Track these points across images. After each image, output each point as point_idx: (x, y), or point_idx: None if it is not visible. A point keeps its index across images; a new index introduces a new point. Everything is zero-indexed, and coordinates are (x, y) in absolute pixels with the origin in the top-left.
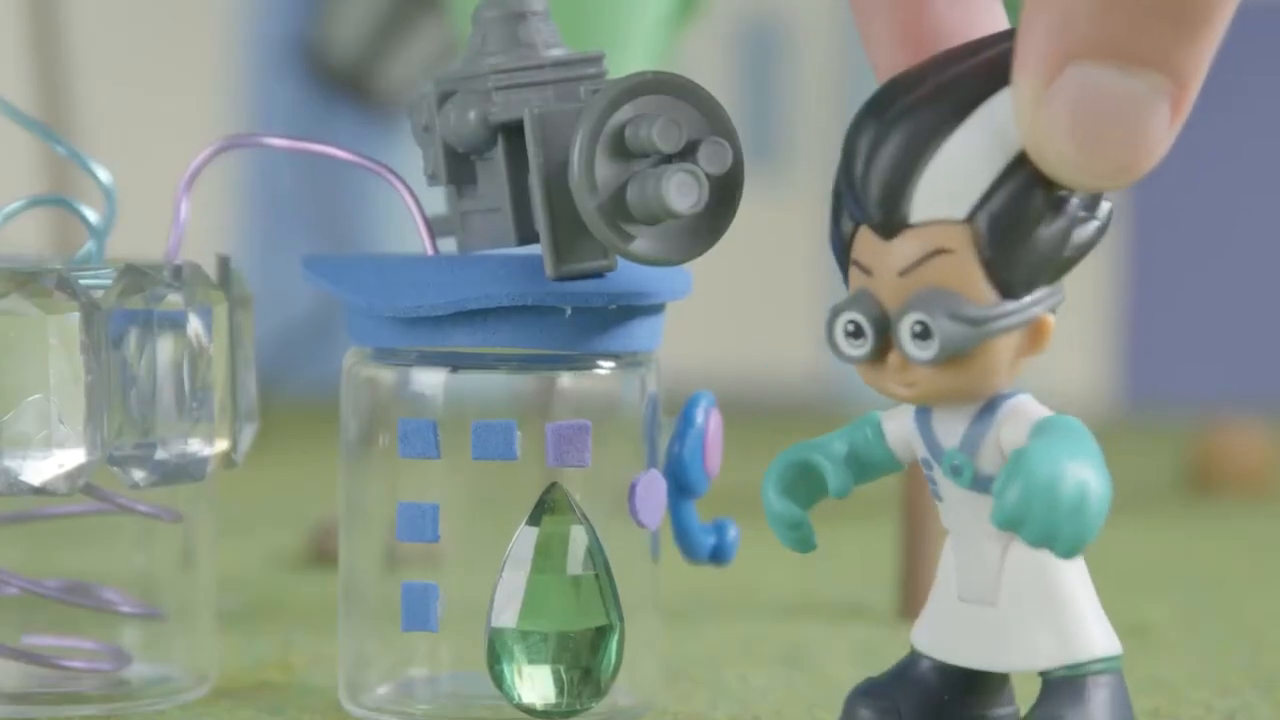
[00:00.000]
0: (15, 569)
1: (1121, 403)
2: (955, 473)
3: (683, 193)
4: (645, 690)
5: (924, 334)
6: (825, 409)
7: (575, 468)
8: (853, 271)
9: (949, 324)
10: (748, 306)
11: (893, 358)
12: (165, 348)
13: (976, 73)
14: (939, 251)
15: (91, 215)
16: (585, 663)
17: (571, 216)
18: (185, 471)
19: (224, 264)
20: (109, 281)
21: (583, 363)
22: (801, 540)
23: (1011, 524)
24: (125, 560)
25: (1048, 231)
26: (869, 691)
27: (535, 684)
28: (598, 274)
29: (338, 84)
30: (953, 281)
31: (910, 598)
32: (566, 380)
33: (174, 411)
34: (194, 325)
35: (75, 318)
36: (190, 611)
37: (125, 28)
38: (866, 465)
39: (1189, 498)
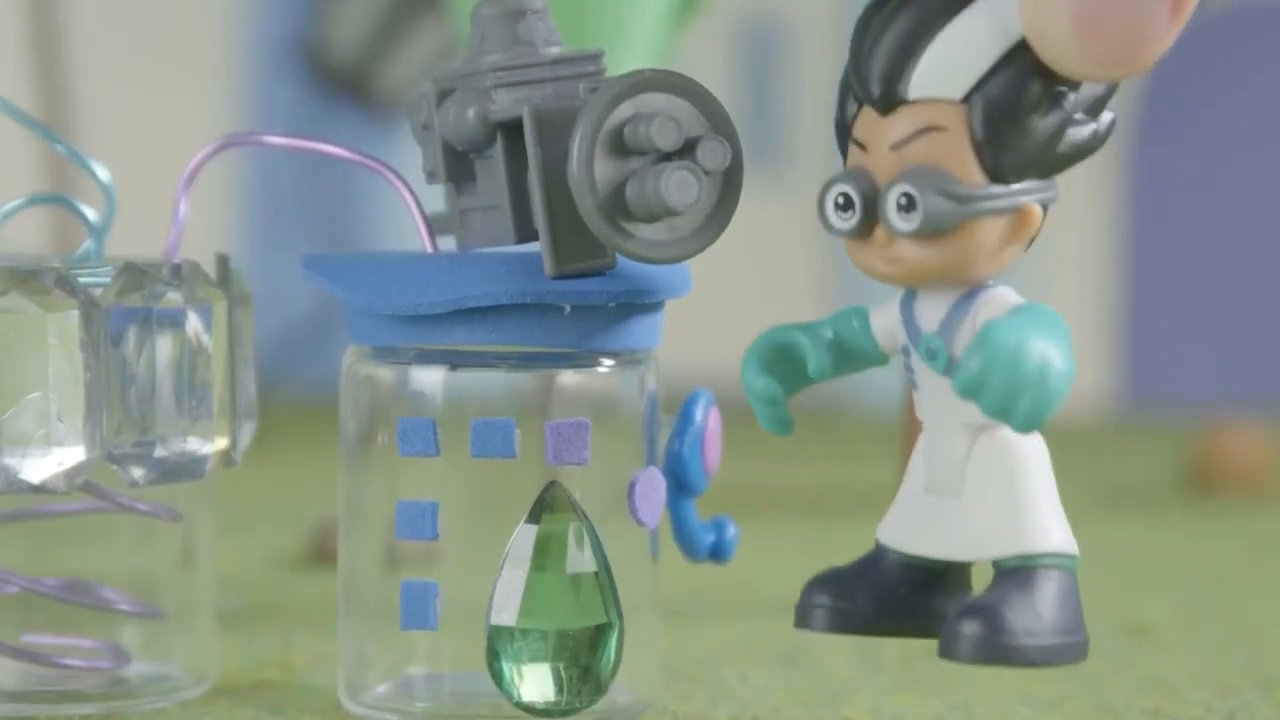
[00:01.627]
0: (15, 568)
1: (1121, 402)
2: (930, 356)
3: (682, 190)
4: (645, 689)
5: (909, 205)
6: (823, 406)
7: (574, 465)
8: (851, 150)
9: (934, 198)
10: (746, 304)
11: (879, 233)
12: (164, 346)
13: None
14: (932, 128)
15: (91, 214)
16: (585, 661)
17: (571, 214)
18: (184, 470)
19: (223, 262)
20: (108, 280)
21: (582, 360)
22: (778, 419)
23: (971, 391)
24: (125, 559)
25: (1042, 121)
26: (828, 580)
27: (535, 682)
28: (597, 272)
29: (337, 83)
30: (943, 159)
31: None
32: (566, 378)
33: (173, 410)
34: (193, 323)
35: (74, 316)
36: (190, 611)
37: (124, 27)
38: (849, 353)
39: (1189, 498)
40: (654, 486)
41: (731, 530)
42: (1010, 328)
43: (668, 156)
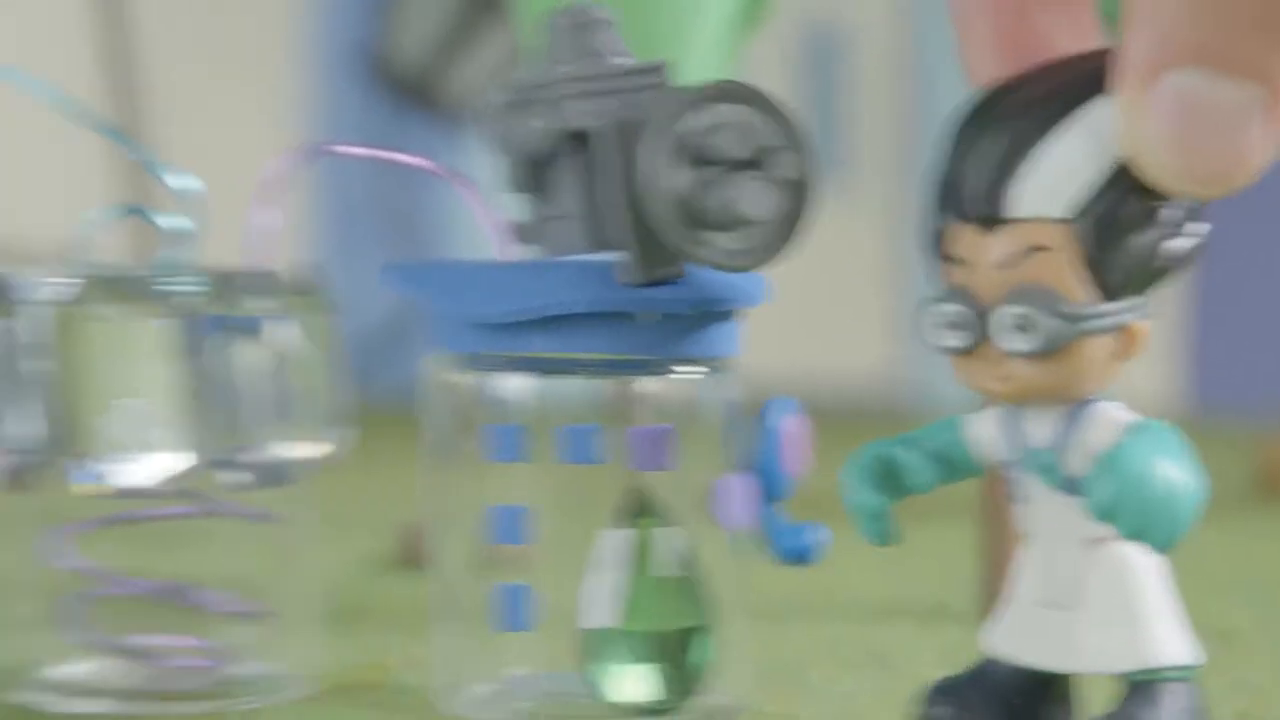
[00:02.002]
0: (122, 571)
1: (1190, 407)
2: (1044, 471)
3: (756, 200)
4: (738, 690)
5: (1025, 326)
6: (896, 412)
7: (659, 471)
8: (948, 267)
9: (1050, 319)
10: (818, 311)
11: (989, 350)
12: (253, 354)
13: (1077, 80)
14: (1038, 248)
15: (174, 223)
16: (677, 662)
17: (647, 224)
18: (274, 474)
19: (307, 273)
20: (196, 288)
21: (663, 368)
22: (882, 532)
23: (1107, 515)
24: (226, 561)
25: (1144, 238)
26: (947, 690)
27: (629, 683)
28: (674, 279)
29: (405, 91)
30: (1050, 278)
31: (992, 599)
32: (647, 385)
33: (263, 416)
34: (279, 332)
35: (164, 324)
36: (290, 612)
37: (196, 39)
38: (947, 465)
39: (1259, 501)
40: (737, 491)
41: (819, 534)
42: (1134, 454)
43: (740, 166)
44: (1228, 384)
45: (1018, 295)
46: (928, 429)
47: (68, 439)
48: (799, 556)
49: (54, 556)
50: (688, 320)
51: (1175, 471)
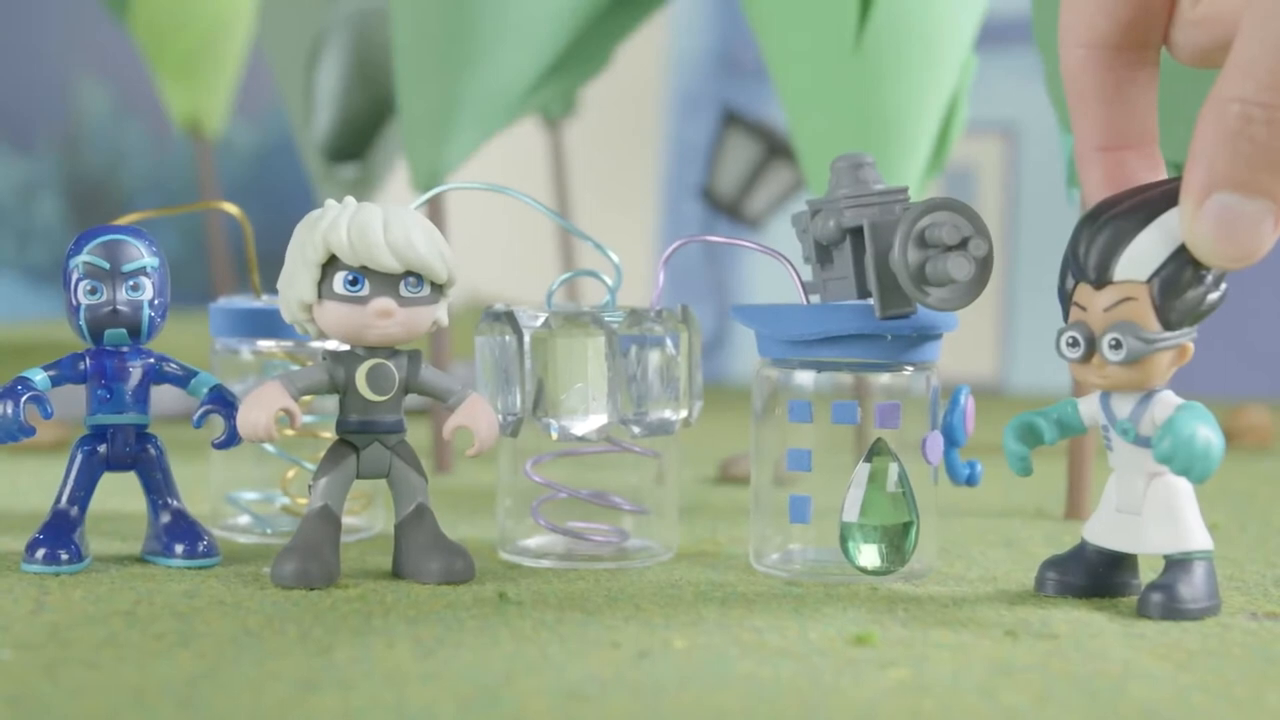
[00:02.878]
0: (564, 483)
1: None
2: (1124, 433)
3: (959, 268)
4: (928, 559)
5: (1117, 345)
6: (1009, 395)
7: (891, 430)
8: (1073, 310)
9: (1133, 341)
10: (969, 333)
11: (1095, 360)
12: (653, 357)
13: (1158, 197)
14: (1128, 299)
15: (608, 280)
16: (897, 543)
17: (891, 282)
18: (663, 428)
19: (685, 309)
20: (620, 318)
21: (895, 368)
22: (1024, 469)
23: (1165, 460)
24: (626, 479)
25: (1193, 292)
26: (1053, 563)
27: (867, 555)
28: (906, 316)
29: (722, 209)
30: (1135, 317)
31: (1074, 506)
32: (886, 378)
33: (656, 393)
34: (669, 344)
35: (602, 340)
36: (661, 510)
37: (600, 176)
38: (1065, 427)
39: (1227, 448)
40: (935, 442)
41: (979, 467)
42: (1184, 421)
43: (951, 248)
44: (1206, 372)
45: (1114, 327)
46: (1054, 406)
47: (543, 406)
48: (968, 481)
49: (530, 474)
50: (912, 340)
51: (1208, 433)
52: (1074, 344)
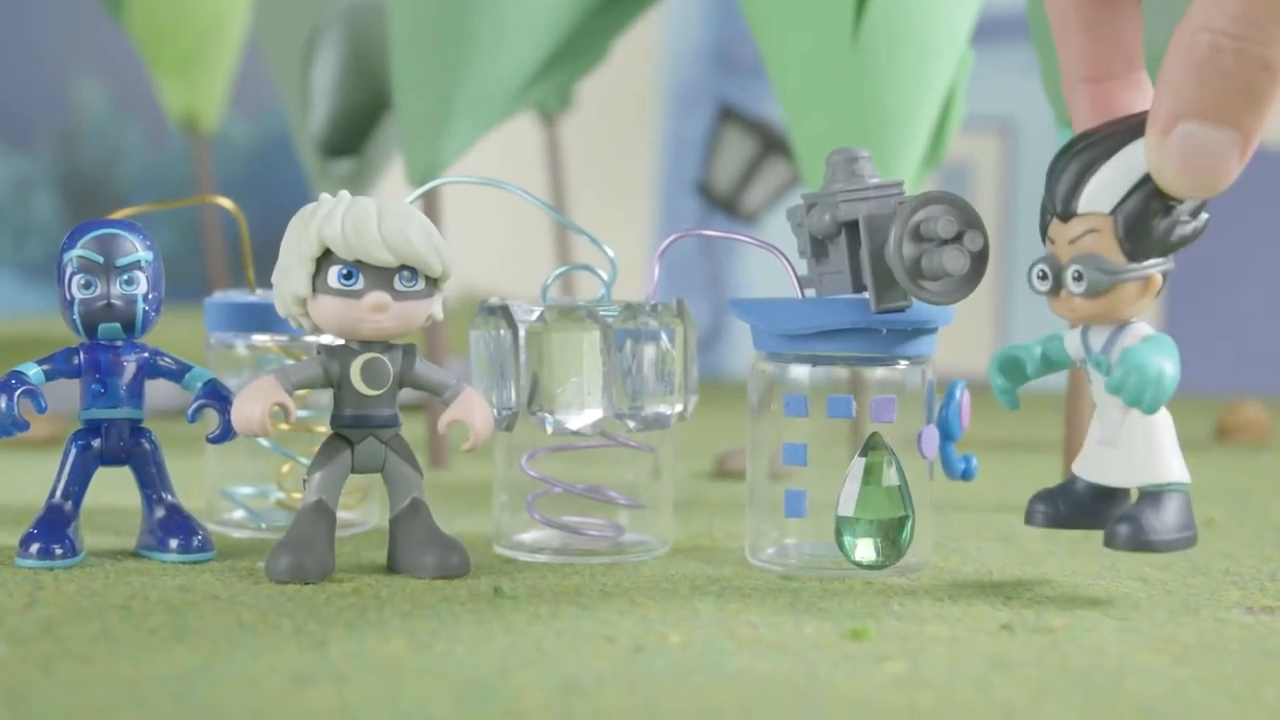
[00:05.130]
0: (559, 478)
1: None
2: (1098, 365)
3: (955, 262)
4: (923, 554)
5: (1079, 277)
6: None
7: (886, 424)
8: (1047, 243)
9: (1094, 273)
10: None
11: (1063, 292)
12: (648, 351)
13: (1126, 129)
14: (1092, 230)
15: (603, 274)
16: (892, 537)
17: (887, 276)
18: (658, 423)
19: (681, 304)
20: (615, 313)
21: (890, 362)
22: (1010, 401)
23: (1114, 390)
24: (622, 473)
25: (1159, 223)
26: (1043, 495)
27: (862, 549)
28: (901, 310)
29: (718, 204)
30: (1099, 248)
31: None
32: (881, 372)
33: (652, 388)
34: (664, 338)
35: (597, 334)
36: (657, 504)
37: (598, 172)
38: (1051, 362)
39: (1219, 443)
40: (931, 436)
41: (974, 462)
42: (1139, 350)
43: (946, 241)
44: (1203, 369)
45: (1076, 259)
46: (1040, 340)
47: (538, 401)
48: (964, 475)
49: (525, 468)
50: (907, 333)
51: (1160, 362)
52: (1044, 276)
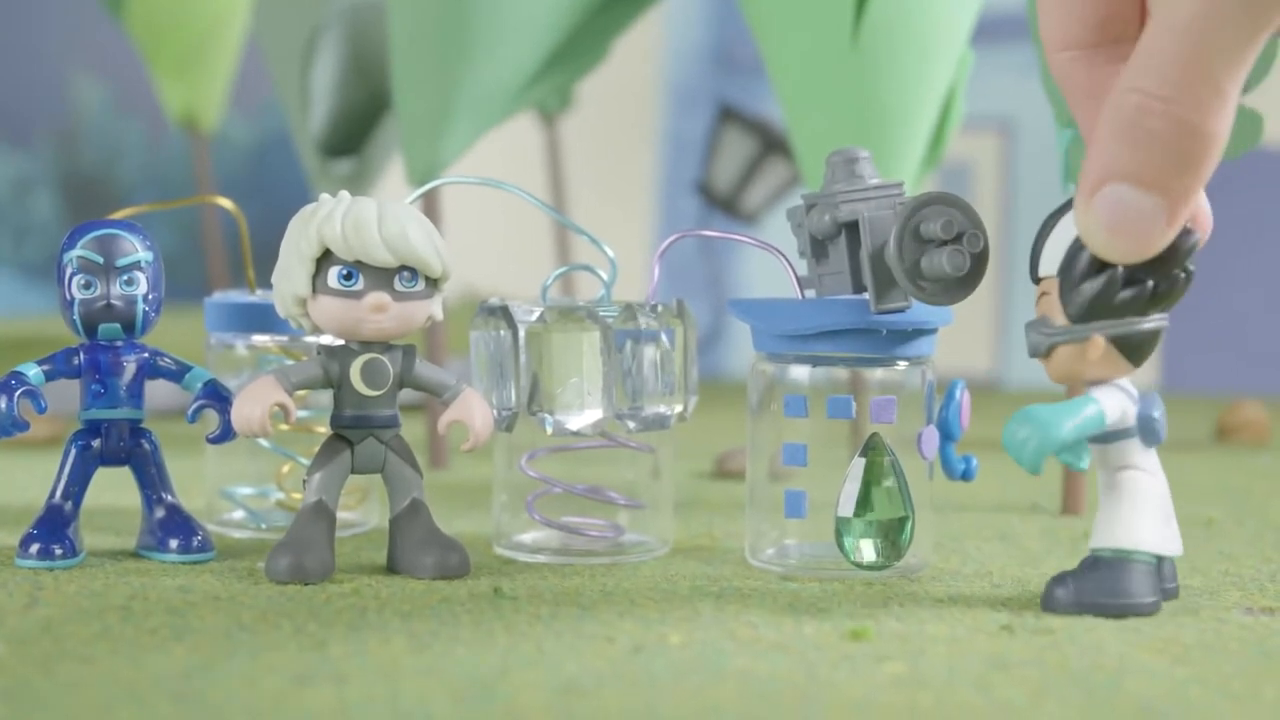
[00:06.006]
0: (559, 478)
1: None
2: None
3: (955, 263)
4: (923, 554)
5: (1027, 340)
6: (1005, 391)
7: (886, 424)
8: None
9: (1033, 334)
10: (965, 328)
11: None
12: (648, 352)
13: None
14: (1044, 293)
15: (603, 274)
16: (892, 538)
17: (887, 276)
18: (658, 423)
19: (681, 304)
20: (615, 313)
21: (890, 362)
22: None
23: (1005, 446)
24: (622, 474)
25: (1090, 285)
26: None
27: (863, 549)
28: (901, 311)
29: (718, 204)
30: (1050, 310)
31: (1070, 501)
32: (880, 373)
33: (651, 388)
34: (664, 339)
35: (597, 334)
36: (657, 504)
37: (597, 173)
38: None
39: (1219, 443)
40: (931, 436)
41: (975, 462)
42: (1020, 415)
43: (946, 242)
44: (1202, 369)
45: (1029, 321)
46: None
47: (538, 401)
48: (964, 476)
49: (524, 469)
50: (906, 334)
51: (1024, 434)
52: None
